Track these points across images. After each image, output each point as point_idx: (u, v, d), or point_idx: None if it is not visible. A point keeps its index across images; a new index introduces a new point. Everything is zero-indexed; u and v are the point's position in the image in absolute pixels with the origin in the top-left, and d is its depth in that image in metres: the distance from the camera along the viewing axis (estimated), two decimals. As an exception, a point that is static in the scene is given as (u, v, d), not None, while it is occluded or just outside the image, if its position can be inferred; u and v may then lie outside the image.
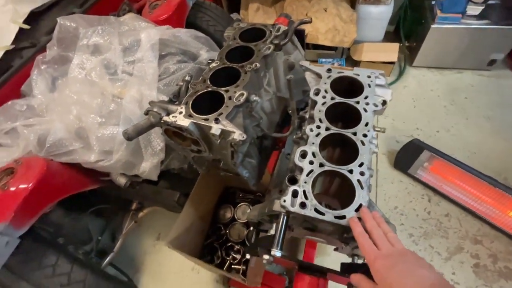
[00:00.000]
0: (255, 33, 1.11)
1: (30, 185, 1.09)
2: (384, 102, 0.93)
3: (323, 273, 0.74)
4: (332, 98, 0.90)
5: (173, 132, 0.92)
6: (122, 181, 1.37)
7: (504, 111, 2.13)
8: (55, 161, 1.25)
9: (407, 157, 1.82)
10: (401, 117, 2.19)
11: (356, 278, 0.64)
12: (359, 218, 0.67)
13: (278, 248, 0.69)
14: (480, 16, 2.15)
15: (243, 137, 0.79)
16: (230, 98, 0.88)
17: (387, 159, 1.96)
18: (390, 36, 2.62)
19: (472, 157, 1.92)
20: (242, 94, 0.87)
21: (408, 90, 2.36)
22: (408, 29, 2.57)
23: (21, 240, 1.04)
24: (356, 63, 2.38)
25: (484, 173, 1.58)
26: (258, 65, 0.95)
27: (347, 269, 0.77)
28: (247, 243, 1.54)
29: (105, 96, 1.37)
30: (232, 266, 1.51)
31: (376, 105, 0.87)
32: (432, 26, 2.20)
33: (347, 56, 2.46)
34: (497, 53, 2.27)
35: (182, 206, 1.38)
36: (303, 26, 1.15)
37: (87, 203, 1.55)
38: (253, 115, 1.00)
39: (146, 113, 0.95)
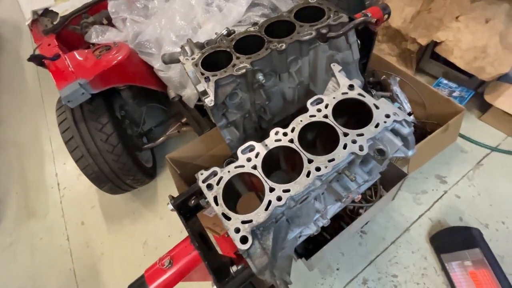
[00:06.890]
0: (318, 14, 0.99)
1: (114, 62, 1.47)
2: (380, 152, 0.75)
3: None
4: (325, 116, 0.79)
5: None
6: (172, 94, 1.64)
7: None
8: (138, 55, 1.59)
9: (452, 241, 1.42)
10: (492, 196, 1.60)
11: None
12: None
13: (172, 202, 0.78)
14: None
15: (210, 103, 0.82)
16: (234, 65, 0.89)
17: (429, 227, 1.56)
18: None
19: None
20: (244, 67, 0.87)
21: (525, 170, 1.65)
22: None
23: (93, 96, 1.46)
24: (485, 105, 1.77)
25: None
26: (284, 46, 0.89)
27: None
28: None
29: (191, 21, 1.56)
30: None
31: (361, 149, 0.72)
32: None
33: (481, 93, 1.83)
34: None
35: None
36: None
37: (151, 99, 1.97)
38: (260, 93, 0.99)
39: (181, 47, 1.08)
